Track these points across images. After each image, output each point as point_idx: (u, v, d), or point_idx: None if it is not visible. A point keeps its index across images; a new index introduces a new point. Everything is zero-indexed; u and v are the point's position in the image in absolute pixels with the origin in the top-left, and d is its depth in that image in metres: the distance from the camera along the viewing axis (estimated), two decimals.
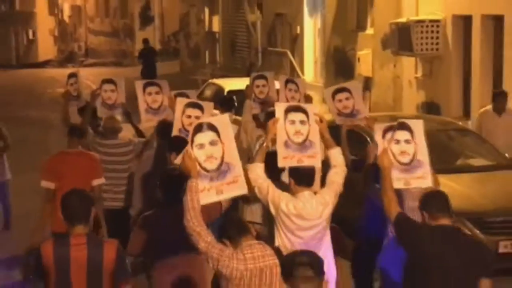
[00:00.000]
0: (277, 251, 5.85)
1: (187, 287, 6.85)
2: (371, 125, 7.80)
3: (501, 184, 11.20)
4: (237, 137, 8.17)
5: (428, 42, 15.81)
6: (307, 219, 6.71)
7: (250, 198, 7.40)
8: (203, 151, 6.14)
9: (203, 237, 5.74)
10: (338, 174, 7.00)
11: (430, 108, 16.06)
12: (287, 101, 9.05)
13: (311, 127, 6.96)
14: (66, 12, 48.56)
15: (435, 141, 12.18)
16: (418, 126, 7.04)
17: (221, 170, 6.21)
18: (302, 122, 6.95)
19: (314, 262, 4.69)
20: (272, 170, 7.04)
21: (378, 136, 6.91)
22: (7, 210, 12.00)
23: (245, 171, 6.61)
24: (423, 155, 6.92)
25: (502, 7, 14.31)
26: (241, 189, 6.31)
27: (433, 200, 6.19)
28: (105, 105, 10.81)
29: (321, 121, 7.08)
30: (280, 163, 6.91)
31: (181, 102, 8.59)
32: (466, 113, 15.44)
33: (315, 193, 6.94)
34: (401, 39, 16.23)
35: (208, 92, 15.76)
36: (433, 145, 12.04)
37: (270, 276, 5.69)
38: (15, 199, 12.02)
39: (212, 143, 6.20)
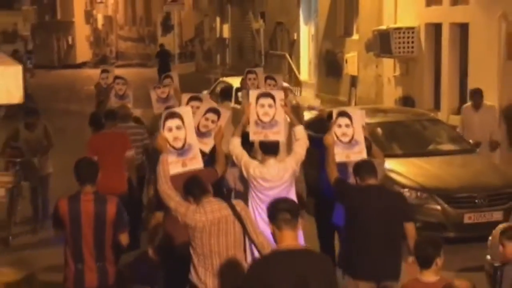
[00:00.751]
0: (230, 205, 6.23)
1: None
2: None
3: (465, 165, 11.26)
4: (230, 121, 8.70)
5: (405, 46, 15.79)
6: (270, 180, 7.21)
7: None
8: (171, 133, 6.77)
9: (173, 197, 6.21)
10: (300, 146, 7.51)
11: (406, 101, 16.04)
12: None
13: (277, 109, 7.56)
14: (100, 21, 48.45)
15: (410, 130, 12.26)
16: (356, 114, 8.01)
17: (185, 149, 6.82)
18: (269, 105, 7.56)
19: (291, 208, 5.04)
20: (245, 145, 7.60)
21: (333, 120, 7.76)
22: (46, 202, 11.05)
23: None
24: (359, 136, 7.71)
25: (467, 16, 14.30)
26: (199, 164, 6.98)
27: (362, 166, 6.96)
28: (117, 95, 11.58)
29: (285, 105, 7.74)
30: (251, 137, 7.59)
31: (185, 96, 9.03)
32: (437, 106, 15.47)
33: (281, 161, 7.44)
34: (382, 43, 16.21)
35: (218, 89, 15.78)
36: (409, 133, 12.17)
37: (226, 224, 6.09)
38: (56, 180, 11.15)
39: (178, 127, 6.82)
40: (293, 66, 22.42)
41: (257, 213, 7.13)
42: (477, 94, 11.98)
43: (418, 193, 10.40)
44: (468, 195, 10.34)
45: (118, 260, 6.88)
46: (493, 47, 13.33)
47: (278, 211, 4.98)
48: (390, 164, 10.95)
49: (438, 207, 10.25)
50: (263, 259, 5.35)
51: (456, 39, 14.87)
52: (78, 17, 48.56)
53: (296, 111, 9.08)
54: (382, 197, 6.86)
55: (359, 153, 7.65)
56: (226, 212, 6.12)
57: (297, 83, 21.40)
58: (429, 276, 5.48)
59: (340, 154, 7.56)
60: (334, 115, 7.85)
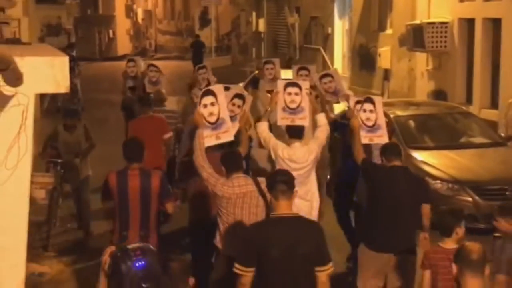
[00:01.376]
0: (256, 182, 6.67)
1: None
2: (347, 99, 8.87)
3: (496, 158, 11.16)
4: (254, 106, 9.17)
5: (438, 41, 15.73)
6: (296, 162, 7.57)
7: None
8: (206, 109, 7.22)
9: (206, 168, 6.66)
10: (322, 132, 7.91)
11: (438, 95, 15.97)
12: None
13: (303, 98, 7.98)
14: (140, 15, 48.78)
15: (442, 123, 12.17)
16: (379, 101, 8.34)
17: (218, 123, 7.27)
18: (296, 94, 8.00)
19: (288, 180, 5.44)
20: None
21: (352, 105, 8.18)
22: (86, 204, 10.11)
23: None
24: (382, 121, 8.04)
25: (500, 11, 14.19)
26: (230, 137, 7.42)
27: (388, 148, 7.35)
28: (150, 82, 12.20)
29: (310, 93, 8.16)
30: (279, 122, 8.04)
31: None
32: (469, 100, 15.37)
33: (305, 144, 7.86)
34: (415, 38, 16.17)
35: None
36: (441, 126, 12.08)
37: (250, 198, 6.58)
38: (97, 168, 10.35)
39: (212, 104, 7.27)
40: (327, 60, 22.38)
41: None
42: None
43: (450, 185, 10.35)
44: (499, 188, 10.26)
45: (159, 229, 7.29)
46: None
47: (276, 182, 5.41)
48: (422, 156, 10.92)
49: (470, 199, 10.18)
50: (260, 223, 5.88)
51: (489, 34, 14.76)
52: (119, 11, 48.90)
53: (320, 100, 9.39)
54: (405, 178, 7.20)
55: (381, 137, 7.98)
56: (251, 188, 6.59)
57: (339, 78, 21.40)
58: (450, 244, 5.78)
59: (364, 137, 7.88)
60: (360, 101, 8.26)
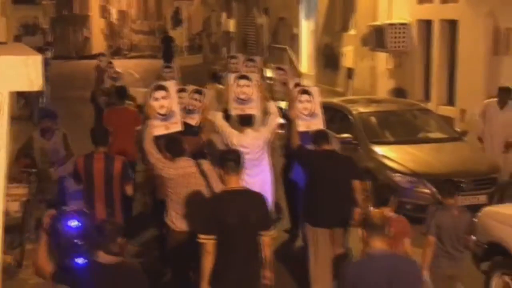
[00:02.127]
0: (197, 164, 7.13)
1: None
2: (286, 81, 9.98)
3: (453, 152, 11.27)
4: (218, 97, 10.03)
5: (398, 41, 15.81)
6: (246, 147, 7.95)
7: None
8: (158, 102, 7.75)
9: (154, 154, 7.15)
10: (272, 119, 8.35)
11: (398, 92, 16.07)
12: None
13: (253, 89, 8.48)
14: (114, 15, 48.45)
15: (402, 119, 12.27)
16: (315, 91, 8.80)
17: (168, 115, 7.79)
18: (246, 85, 8.49)
19: (237, 158, 6.02)
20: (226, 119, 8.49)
21: (291, 87, 8.92)
22: None
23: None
24: (318, 110, 8.49)
25: (456, 13, 14.28)
26: (179, 128, 7.92)
27: (318, 135, 7.78)
28: (112, 78, 12.87)
29: (259, 84, 8.69)
30: (232, 112, 8.51)
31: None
32: (427, 97, 15.47)
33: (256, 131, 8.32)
34: (377, 38, 16.23)
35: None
36: (401, 122, 12.17)
37: (193, 178, 7.00)
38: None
39: (163, 97, 7.80)
40: (294, 59, 22.38)
41: None
42: (505, 92, 11.04)
43: (409, 178, 10.43)
44: (455, 180, 10.36)
45: (125, 209, 7.73)
46: (480, 43, 13.34)
47: (226, 160, 5.97)
48: (383, 150, 11.00)
49: (428, 191, 10.27)
50: (217, 197, 6.30)
51: (446, 34, 14.85)
52: (94, 11, 48.58)
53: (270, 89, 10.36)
54: (335, 159, 7.72)
55: (318, 124, 8.39)
56: (193, 169, 7.06)
57: (297, 74, 21.38)
58: (387, 212, 6.22)
59: (301, 125, 8.26)
60: (296, 93, 8.69)
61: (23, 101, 17.51)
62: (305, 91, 8.63)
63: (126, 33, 46.31)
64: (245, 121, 8.35)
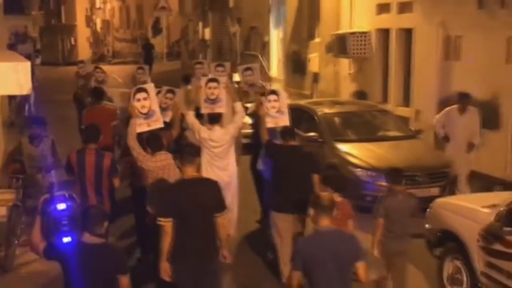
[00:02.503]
0: (174, 157, 7.35)
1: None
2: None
3: (409, 149, 11.30)
4: (186, 97, 10.26)
5: (359, 48, 15.87)
6: (215, 141, 8.41)
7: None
8: (139, 103, 7.99)
9: (136, 149, 7.55)
10: (239, 117, 8.66)
11: (359, 95, 16.12)
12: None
13: (221, 90, 8.78)
14: (98, 25, 48.09)
15: (363, 119, 12.32)
16: (282, 93, 9.18)
17: (149, 114, 8.03)
18: (215, 87, 8.77)
19: (192, 151, 6.40)
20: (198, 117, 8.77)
21: (263, 99, 8.79)
22: None
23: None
24: (284, 109, 8.73)
25: (412, 23, 14.35)
26: (160, 124, 8.17)
27: (286, 131, 8.07)
28: (97, 81, 12.98)
29: (227, 86, 9.06)
30: (202, 111, 8.78)
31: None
32: (385, 99, 15.55)
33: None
34: (340, 45, 16.29)
35: None
36: (362, 122, 12.22)
37: (169, 170, 7.37)
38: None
39: (144, 98, 8.03)
40: (265, 64, 22.44)
41: (207, 164, 8.46)
42: (465, 98, 10.59)
43: (369, 172, 10.47)
44: (411, 174, 10.37)
45: (112, 198, 8.05)
46: (433, 49, 13.43)
47: (184, 153, 6.26)
48: (346, 147, 11.04)
49: (386, 184, 10.34)
50: (172, 185, 6.64)
51: (402, 42, 14.94)
52: (80, 21, 48.27)
53: (237, 91, 10.61)
54: (299, 154, 7.93)
55: (284, 121, 8.61)
56: (170, 162, 7.43)
57: (268, 79, 21.43)
58: (336, 197, 6.50)
59: (269, 122, 8.53)
60: (266, 94, 9.01)
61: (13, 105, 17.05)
62: (273, 92, 9.04)
63: (110, 41, 46.00)
64: (214, 119, 8.60)
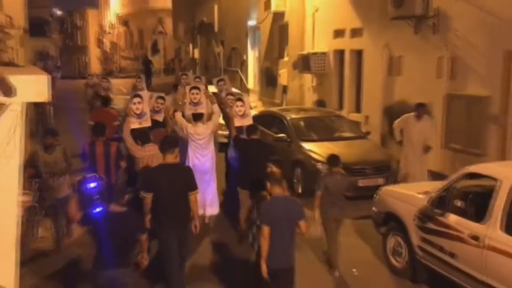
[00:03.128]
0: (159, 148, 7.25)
1: None
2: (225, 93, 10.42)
3: (359, 147, 11.36)
4: (174, 102, 10.40)
5: (319, 65, 15.92)
6: (199, 135, 8.65)
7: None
8: (135, 106, 8.45)
9: (129, 141, 7.87)
10: (215, 116, 8.88)
11: (320, 103, 16.17)
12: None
13: (201, 95, 9.14)
14: (107, 46, 47.77)
15: (322, 123, 12.36)
16: (247, 98, 9.85)
17: (141, 115, 8.43)
18: (197, 93, 9.13)
19: (171, 141, 6.55)
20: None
21: (224, 95, 9.65)
22: (66, 222, 7.99)
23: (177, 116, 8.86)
24: (248, 112, 9.30)
25: (361, 45, 14.41)
26: (149, 123, 8.58)
27: (250, 128, 8.60)
28: (104, 89, 13.40)
29: (205, 93, 9.25)
30: (187, 112, 8.99)
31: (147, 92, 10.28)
32: (340, 107, 15.59)
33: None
34: (304, 63, 16.32)
35: None
36: (322, 125, 12.27)
37: (156, 158, 7.43)
38: (71, 144, 9.71)
39: (139, 102, 8.49)
40: (243, 78, 22.42)
41: (192, 153, 8.69)
42: (422, 108, 10.20)
43: (327, 166, 10.51)
44: (361, 167, 10.48)
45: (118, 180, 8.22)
46: (379, 67, 13.50)
47: (164, 143, 6.47)
48: (309, 146, 11.07)
49: (351, 182, 10.36)
50: (153, 168, 6.82)
51: (354, 60, 15.00)
52: (92, 43, 47.96)
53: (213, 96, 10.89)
54: (259, 145, 8.42)
55: (249, 121, 9.11)
56: (156, 151, 7.47)
57: (246, 90, 21.42)
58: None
59: (237, 121, 9.06)
60: (235, 100, 9.50)
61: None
62: (240, 99, 9.48)
63: (117, 59, 45.73)
64: (197, 117, 8.81)
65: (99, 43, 48.72)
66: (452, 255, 6.28)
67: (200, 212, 7.98)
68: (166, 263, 6.27)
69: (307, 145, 11.04)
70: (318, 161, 10.52)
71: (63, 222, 7.97)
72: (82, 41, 49.85)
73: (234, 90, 13.07)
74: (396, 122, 10.53)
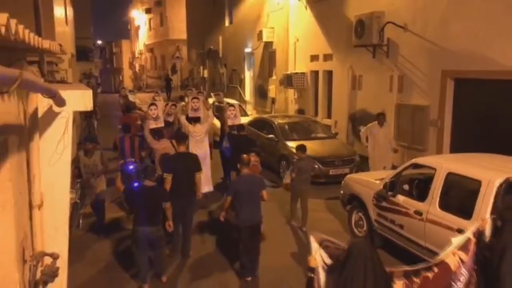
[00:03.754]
0: (171, 142, 8.00)
1: None
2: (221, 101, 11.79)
3: (330, 144, 11.39)
4: (181, 108, 10.58)
5: (299, 82, 15.90)
6: (197, 133, 8.98)
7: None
8: (152, 111, 8.66)
9: (149, 137, 8.19)
10: (210, 118, 9.27)
11: (300, 112, 16.14)
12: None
13: (200, 104, 9.46)
14: (137, 67, 47.56)
15: (302, 126, 12.38)
16: (237, 105, 10.55)
17: (156, 118, 8.67)
18: (196, 102, 9.45)
19: (184, 136, 7.43)
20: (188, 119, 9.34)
21: (217, 102, 10.86)
22: (103, 214, 7.79)
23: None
24: (238, 114, 9.80)
25: (332, 66, 14.35)
26: (161, 124, 8.76)
27: (239, 127, 9.26)
28: (122, 98, 15.70)
29: (203, 102, 9.79)
30: (190, 115, 9.37)
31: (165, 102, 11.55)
32: (316, 114, 15.56)
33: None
34: (288, 81, 16.28)
35: None
36: (302, 128, 12.28)
37: (168, 150, 7.90)
38: (108, 139, 10.71)
39: (155, 108, 8.72)
40: (242, 93, 22.35)
41: (192, 145, 8.94)
42: (382, 116, 9.81)
43: (297, 152, 10.49)
44: (332, 160, 10.51)
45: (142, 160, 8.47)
46: (345, 83, 13.48)
47: (179, 137, 7.23)
48: (292, 144, 11.05)
49: (316, 166, 10.39)
50: (172, 155, 7.21)
51: (326, 78, 14.95)
52: (125, 65, 47.63)
53: (209, 104, 11.89)
54: (245, 139, 9.03)
55: (238, 121, 9.59)
56: (168, 145, 8.05)
57: (244, 101, 21.39)
58: (252, 157, 7.33)
59: (230, 122, 9.63)
60: (227, 106, 10.17)
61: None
62: (231, 105, 10.19)
63: (144, 77, 45.50)
64: (195, 120, 9.24)
65: (131, 65, 48.53)
66: (401, 226, 6.31)
67: (203, 190, 8.11)
68: (175, 224, 6.34)
69: (290, 143, 11.05)
70: None
71: (102, 211, 7.77)
72: (117, 64, 49.62)
73: (230, 100, 13.33)
74: (363, 131, 10.07)
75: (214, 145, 10.68)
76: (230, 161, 8.97)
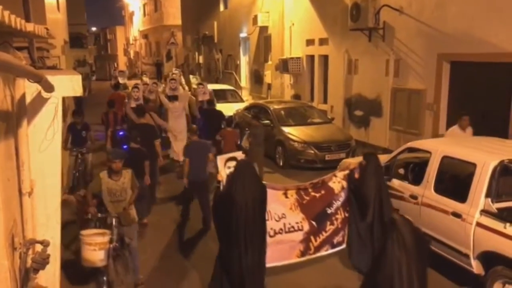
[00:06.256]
0: (150, 115, 9.68)
1: None
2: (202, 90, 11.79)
3: (326, 129, 11.41)
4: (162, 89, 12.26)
5: (295, 67, 15.84)
6: (175, 108, 10.33)
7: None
8: (134, 93, 10.58)
9: (131, 115, 9.26)
10: (185, 97, 10.93)
11: (296, 97, 16.12)
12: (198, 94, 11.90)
13: (177, 84, 11.27)
14: (132, 54, 47.21)
15: (298, 111, 12.36)
16: (205, 84, 11.79)
17: (138, 98, 10.17)
18: (174, 82, 11.27)
19: (142, 109, 8.79)
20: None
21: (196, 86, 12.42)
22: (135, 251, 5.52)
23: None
24: (207, 91, 11.40)
25: (327, 51, 14.27)
26: (141, 103, 10.04)
27: (208, 101, 11.11)
28: (113, 78, 15.40)
29: (179, 82, 12.23)
30: (168, 93, 11.22)
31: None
32: (312, 99, 15.52)
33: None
34: (284, 66, 16.22)
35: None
36: (297, 113, 12.26)
37: (150, 122, 9.10)
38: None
39: (137, 91, 10.61)
40: (237, 78, 22.24)
41: (171, 120, 10.32)
42: (466, 119, 7.70)
43: (302, 145, 10.52)
44: (327, 145, 10.53)
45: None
46: (341, 68, 13.43)
47: (138, 111, 8.83)
48: (287, 129, 11.07)
49: (312, 152, 10.40)
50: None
51: (322, 63, 14.88)
52: (120, 52, 47.24)
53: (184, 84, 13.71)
54: (215, 112, 10.33)
55: (207, 97, 11.11)
56: (149, 119, 9.14)
57: (239, 87, 21.29)
58: (229, 129, 9.80)
59: (201, 97, 11.15)
60: (198, 85, 11.97)
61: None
62: (201, 84, 11.87)
63: (139, 64, 45.21)
64: (174, 98, 10.58)
65: (125, 52, 48.15)
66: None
67: (181, 158, 9.14)
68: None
69: (286, 129, 11.04)
70: (294, 141, 10.53)
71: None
72: (112, 51, 49.20)
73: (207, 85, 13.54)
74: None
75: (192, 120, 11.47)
76: (202, 131, 9.55)
